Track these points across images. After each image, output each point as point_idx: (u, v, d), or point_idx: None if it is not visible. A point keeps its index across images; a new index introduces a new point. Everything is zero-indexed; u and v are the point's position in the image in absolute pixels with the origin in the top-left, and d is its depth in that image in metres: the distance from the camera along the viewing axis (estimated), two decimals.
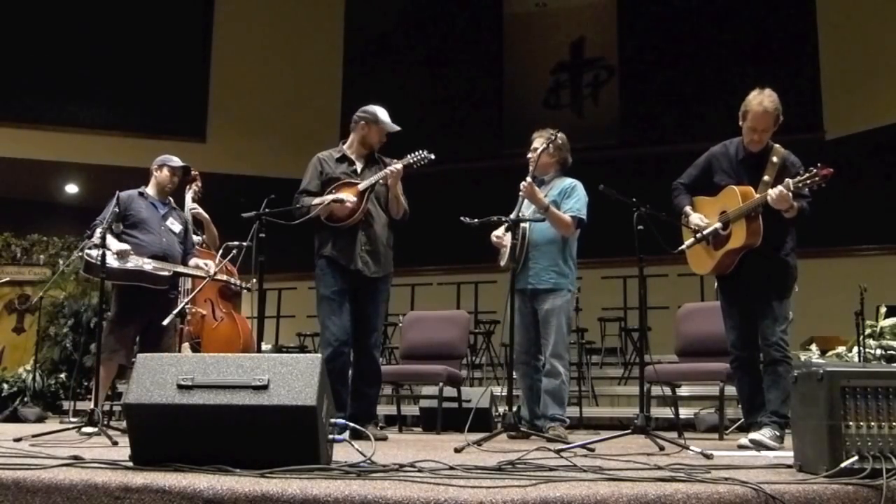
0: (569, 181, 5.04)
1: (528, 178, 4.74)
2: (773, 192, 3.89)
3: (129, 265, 4.97)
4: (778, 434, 3.95)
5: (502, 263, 4.86)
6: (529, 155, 5.00)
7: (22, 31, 11.47)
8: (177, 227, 5.44)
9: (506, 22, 12.90)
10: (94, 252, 5.07)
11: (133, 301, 5.11)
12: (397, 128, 4.94)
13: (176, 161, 5.51)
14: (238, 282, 5.63)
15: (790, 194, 3.87)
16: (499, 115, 12.51)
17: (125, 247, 4.97)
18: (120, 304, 5.19)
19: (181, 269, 5.27)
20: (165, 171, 5.45)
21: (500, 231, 4.91)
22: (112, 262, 4.91)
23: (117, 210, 4.74)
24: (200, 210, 6.27)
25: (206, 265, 5.32)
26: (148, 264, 5.07)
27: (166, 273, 5.13)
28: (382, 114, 4.94)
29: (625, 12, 12.28)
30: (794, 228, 4.20)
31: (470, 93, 12.51)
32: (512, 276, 4.49)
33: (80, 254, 5.28)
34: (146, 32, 11.71)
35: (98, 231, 5.13)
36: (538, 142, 5.01)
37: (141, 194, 5.39)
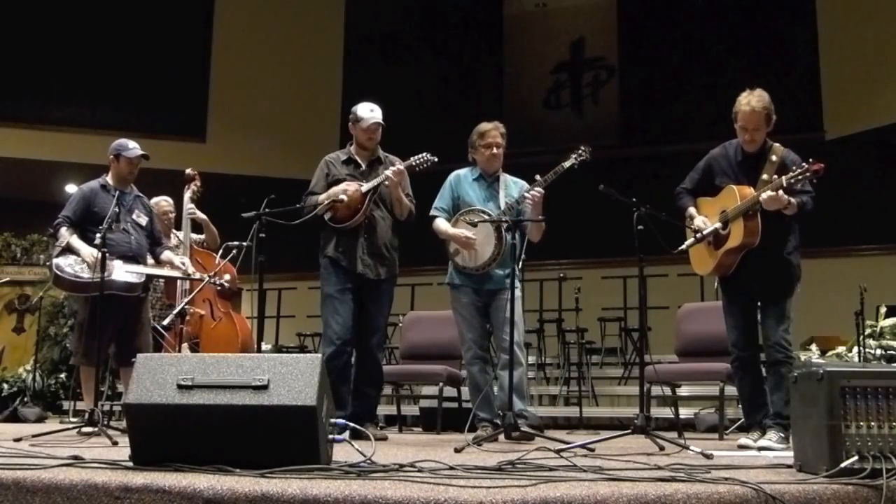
0: (521, 181, 4.92)
1: (540, 189, 4.59)
2: (763, 196, 3.90)
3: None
4: (783, 436, 3.96)
5: (476, 264, 4.72)
6: (493, 150, 4.80)
7: (22, 32, 11.46)
8: (143, 219, 5.10)
9: (506, 22, 12.88)
10: (63, 262, 4.77)
11: (103, 307, 4.53)
12: (376, 118, 4.84)
13: (133, 150, 5.06)
14: (217, 279, 5.24)
15: (781, 194, 3.87)
16: (499, 116, 12.31)
17: (97, 254, 4.43)
18: (90, 309, 4.74)
19: (157, 271, 5.05)
20: (122, 163, 5.06)
21: (468, 232, 4.70)
22: (83, 273, 4.69)
23: (118, 210, 4.54)
24: (197, 213, 6.17)
25: (183, 263, 5.10)
26: (119, 270, 4.72)
27: (139, 280, 4.84)
28: (363, 110, 4.88)
29: (625, 12, 12.27)
30: (797, 227, 4.20)
31: (470, 93, 12.50)
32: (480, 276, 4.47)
33: (48, 263, 5.00)
34: (146, 33, 11.70)
35: (63, 231, 4.84)
36: (500, 138, 4.84)
37: (104, 187, 5.02)
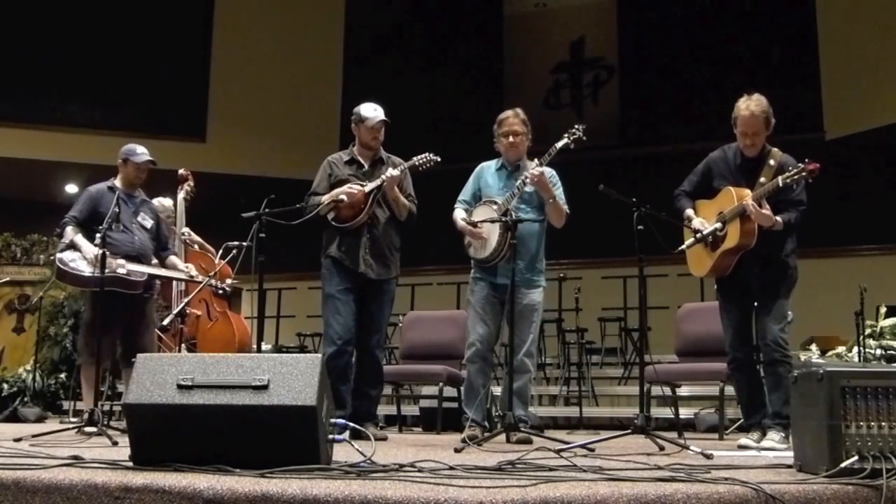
0: (548, 169, 4.68)
1: (540, 168, 4.45)
2: (752, 207, 3.93)
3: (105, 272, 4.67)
4: (784, 435, 3.97)
5: (482, 256, 4.59)
6: (510, 139, 4.67)
7: (22, 32, 11.46)
8: (148, 222, 5.20)
9: (506, 22, 12.89)
10: (66, 257, 4.90)
11: (107, 305, 4.63)
12: (381, 117, 4.84)
13: (141, 156, 5.18)
14: (221, 283, 5.30)
15: (769, 213, 3.93)
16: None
17: (98, 252, 4.50)
18: (94, 308, 4.86)
19: (159, 271, 5.11)
20: (130, 168, 5.18)
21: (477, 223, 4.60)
22: (85, 268, 4.78)
23: (117, 210, 4.54)
24: (190, 235, 6.19)
25: (188, 268, 5.19)
26: (122, 268, 4.81)
27: (141, 278, 4.92)
28: (366, 110, 4.89)
29: (625, 12, 12.28)
30: (794, 229, 4.21)
31: (470, 93, 12.50)
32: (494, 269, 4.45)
33: (52, 258, 5.14)
34: (146, 32, 11.70)
35: (69, 230, 4.97)
36: (520, 125, 4.70)
37: (111, 189, 5.12)
